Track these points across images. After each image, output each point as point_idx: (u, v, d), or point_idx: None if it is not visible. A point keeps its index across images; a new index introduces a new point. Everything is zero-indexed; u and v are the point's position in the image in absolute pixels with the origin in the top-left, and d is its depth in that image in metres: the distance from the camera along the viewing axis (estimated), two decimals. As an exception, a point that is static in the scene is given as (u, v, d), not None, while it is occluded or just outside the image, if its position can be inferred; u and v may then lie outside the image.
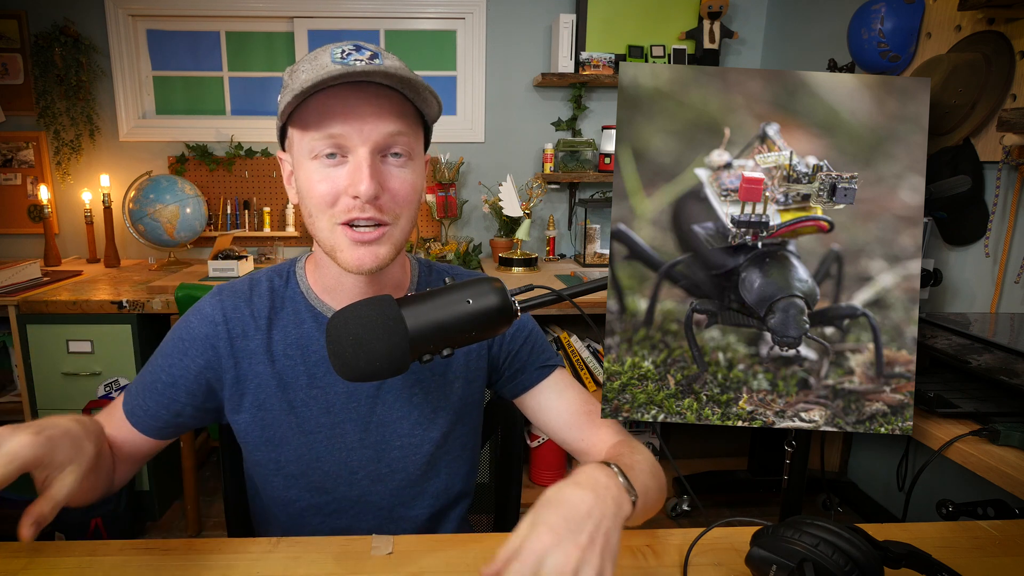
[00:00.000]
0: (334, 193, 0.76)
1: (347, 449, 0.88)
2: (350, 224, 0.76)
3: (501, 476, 1.18)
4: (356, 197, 0.74)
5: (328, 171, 0.76)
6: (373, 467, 0.89)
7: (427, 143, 0.85)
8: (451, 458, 0.95)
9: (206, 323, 0.86)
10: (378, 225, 0.77)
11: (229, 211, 2.76)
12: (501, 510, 1.19)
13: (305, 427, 0.86)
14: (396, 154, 0.77)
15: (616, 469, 0.67)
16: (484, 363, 0.95)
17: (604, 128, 2.75)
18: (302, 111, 0.76)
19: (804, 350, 0.89)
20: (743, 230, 0.88)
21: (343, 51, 0.74)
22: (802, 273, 0.88)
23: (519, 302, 0.69)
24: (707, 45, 2.72)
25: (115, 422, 0.86)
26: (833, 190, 0.87)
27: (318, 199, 0.76)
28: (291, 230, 2.80)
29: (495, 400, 1.14)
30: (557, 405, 0.94)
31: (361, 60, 0.73)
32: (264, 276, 0.90)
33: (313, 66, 0.74)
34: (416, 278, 0.94)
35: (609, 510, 0.61)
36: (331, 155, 0.75)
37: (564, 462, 2.48)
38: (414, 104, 0.79)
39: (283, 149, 0.84)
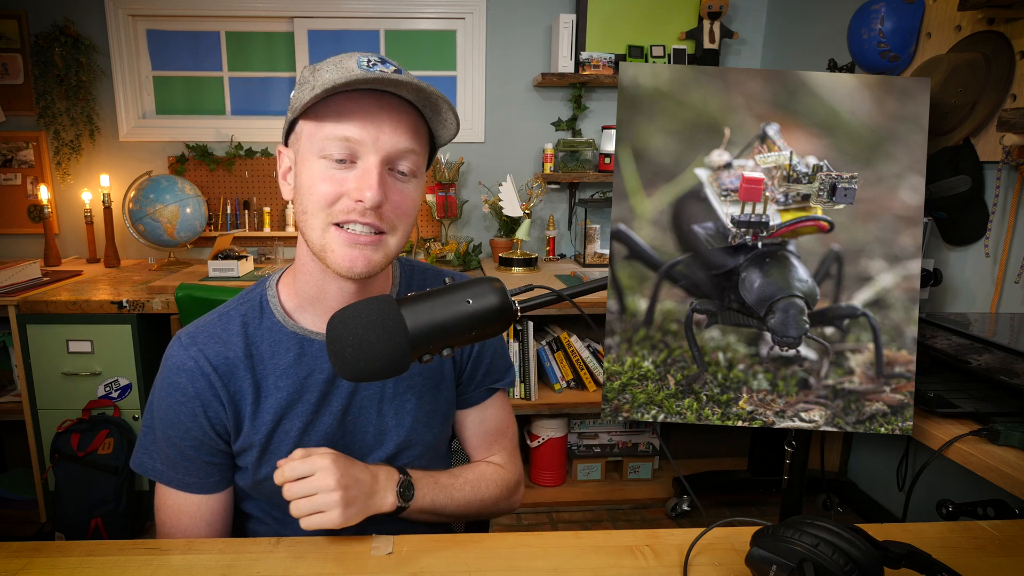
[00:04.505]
0: (336, 193, 0.75)
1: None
2: (342, 225, 0.76)
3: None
4: (359, 201, 0.74)
5: (334, 172, 0.75)
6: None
7: (430, 162, 0.84)
8: (444, 458, 0.95)
9: (195, 377, 0.82)
10: (377, 232, 0.76)
11: (229, 211, 2.76)
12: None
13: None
14: (402, 172, 0.77)
15: (404, 476, 0.83)
16: (452, 365, 0.95)
17: (604, 128, 2.75)
18: (320, 108, 0.75)
19: (804, 350, 0.89)
20: (743, 230, 0.88)
21: (369, 60, 0.74)
22: (802, 273, 0.88)
23: (519, 302, 0.69)
24: (707, 45, 2.72)
25: (187, 509, 0.85)
26: (833, 190, 0.87)
27: (319, 197, 0.75)
28: (291, 230, 2.80)
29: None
30: (479, 422, 0.97)
31: (387, 72, 0.73)
32: (236, 311, 0.86)
33: (339, 68, 0.74)
34: (398, 279, 0.92)
35: (369, 495, 0.79)
36: (340, 160, 0.75)
37: (564, 462, 2.46)
38: (428, 124, 0.80)
39: (285, 144, 0.83)
